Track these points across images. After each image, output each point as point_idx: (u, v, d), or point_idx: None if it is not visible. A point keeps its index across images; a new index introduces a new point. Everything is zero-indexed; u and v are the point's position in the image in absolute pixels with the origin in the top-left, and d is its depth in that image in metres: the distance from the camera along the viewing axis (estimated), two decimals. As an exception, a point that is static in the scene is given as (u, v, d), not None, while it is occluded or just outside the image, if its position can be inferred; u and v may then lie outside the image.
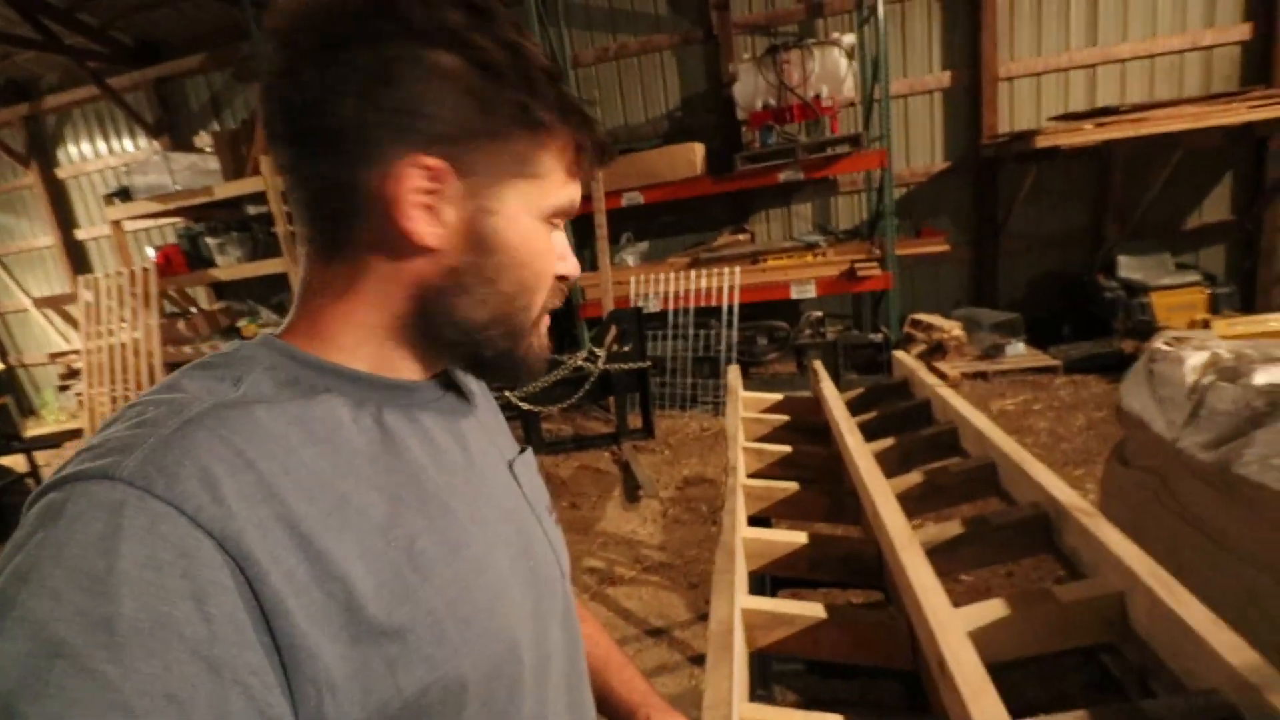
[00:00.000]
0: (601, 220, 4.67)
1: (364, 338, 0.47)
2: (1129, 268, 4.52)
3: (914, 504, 1.35)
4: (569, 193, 0.50)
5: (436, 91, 0.42)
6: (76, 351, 5.80)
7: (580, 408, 4.33)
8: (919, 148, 5.15)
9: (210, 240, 5.64)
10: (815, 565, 1.17)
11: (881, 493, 1.17)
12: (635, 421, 4.16)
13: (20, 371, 7.81)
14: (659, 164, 4.74)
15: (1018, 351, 4.52)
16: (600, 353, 3.88)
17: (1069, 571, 1.04)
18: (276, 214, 5.19)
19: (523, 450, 0.62)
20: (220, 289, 6.65)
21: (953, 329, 4.59)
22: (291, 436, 0.40)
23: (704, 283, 4.60)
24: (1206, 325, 4.04)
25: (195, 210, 5.64)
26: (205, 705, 0.32)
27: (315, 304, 0.47)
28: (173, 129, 6.48)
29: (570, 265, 0.53)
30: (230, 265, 5.60)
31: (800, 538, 1.17)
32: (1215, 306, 4.22)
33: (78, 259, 7.18)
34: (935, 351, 4.63)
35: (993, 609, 0.90)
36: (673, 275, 4.69)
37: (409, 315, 0.47)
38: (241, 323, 5.82)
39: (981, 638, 0.87)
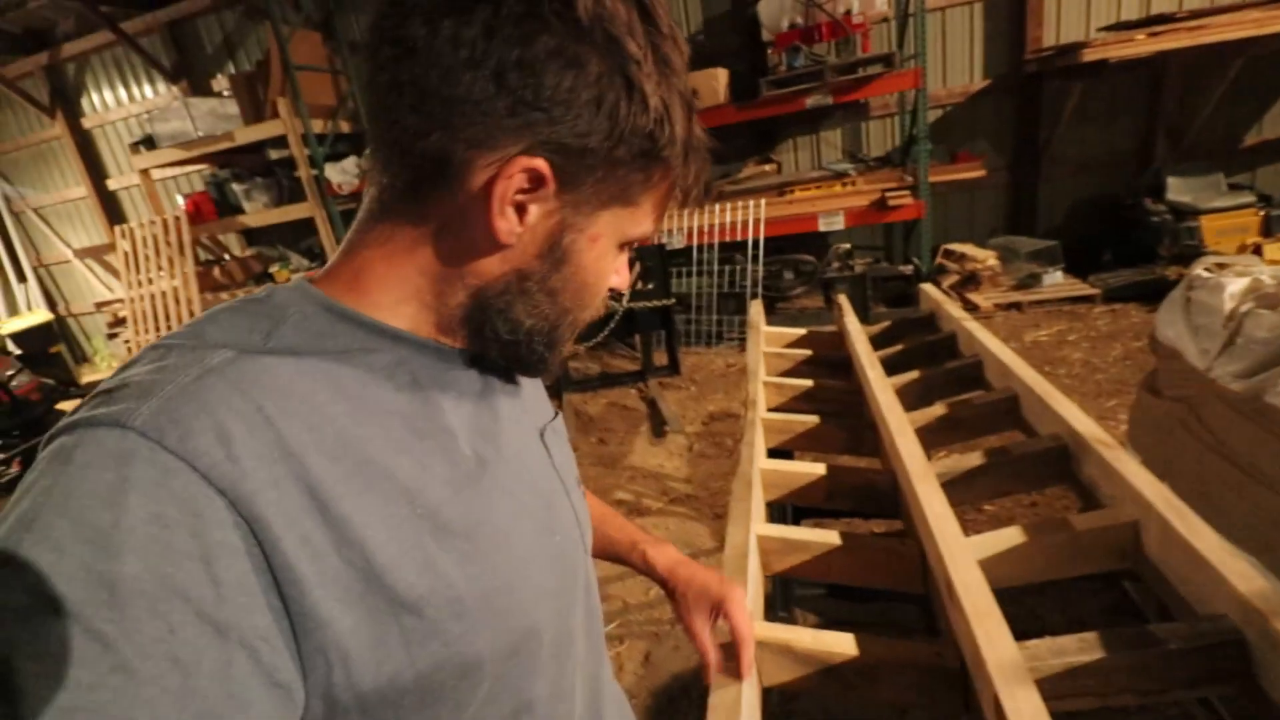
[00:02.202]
0: (623, 154, 4.56)
1: (406, 299, 0.44)
2: (1178, 190, 4.28)
3: (934, 436, 1.36)
4: (651, 226, 0.48)
5: (574, 98, 0.39)
6: (121, 300, 5.99)
7: (607, 345, 4.36)
8: (957, 66, 4.86)
9: (236, 186, 5.69)
10: (832, 495, 1.19)
11: (899, 425, 1.18)
12: (661, 359, 4.19)
13: (70, 320, 8.13)
14: (681, 93, 4.56)
15: (1055, 280, 4.38)
16: (624, 291, 3.87)
17: (1086, 502, 1.05)
18: (299, 158, 5.19)
19: (555, 416, 0.60)
20: (250, 235, 6.75)
21: (987, 259, 4.45)
22: (319, 393, 0.39)
23: (728, 216, 4.50)
24: (1258, 250, 3.85)
25: (219, 156, 5.68)
26: (210, 668, 0.31)
27: (365, 256, 0.44)
28: (190, 73, 6.43)
29: (623, 281, 0.51)
30: (258, 211, 5.66)
31: (818, 469, 1.19)
32: (1269, 229, 4.00)
33: (111, 209, 7.31)
34: (968, 282, 4.52)
35: (1005, 537, 0.91)
36: (696, 210, 4.60)
37: (460, 300, 0.45)
38: (274, 268, 5.93)
39: (992, 564, 0.89)
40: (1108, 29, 4.21)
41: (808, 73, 4.24)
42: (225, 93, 5.53)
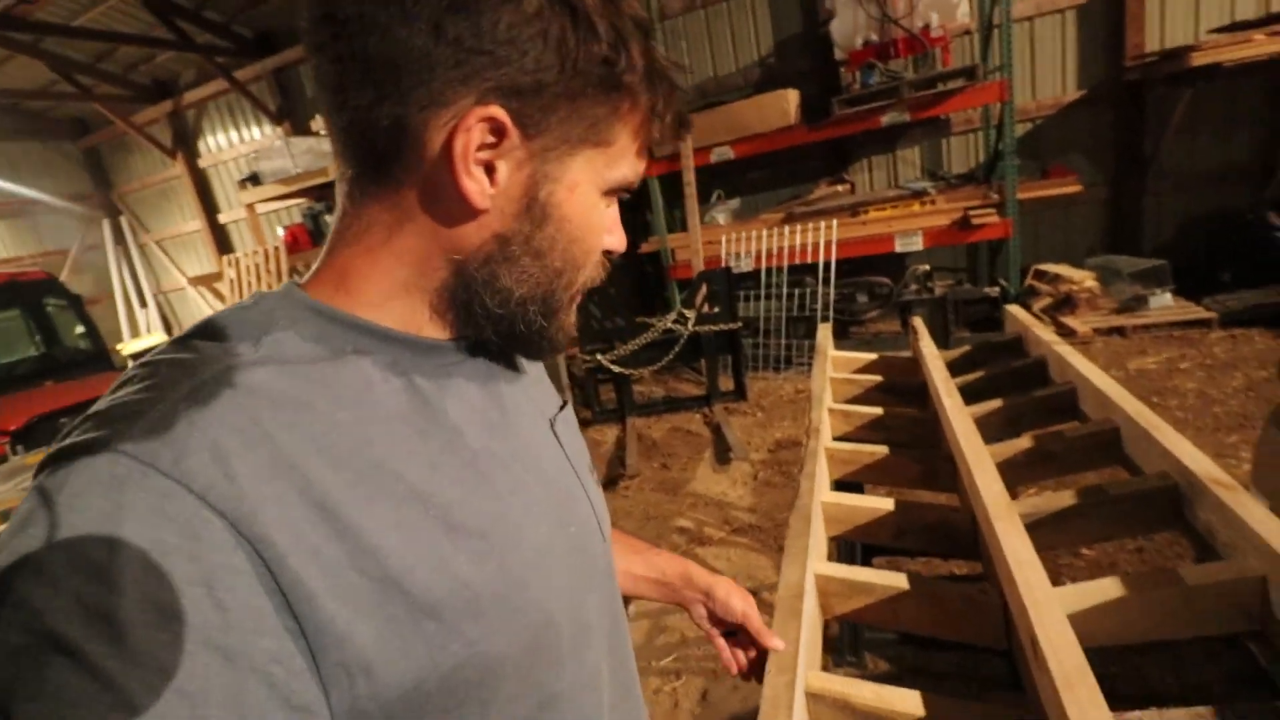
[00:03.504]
0: (690, 178, 4.57)
1: (393, 294, 0.43)
2: (1309, 202, 3.85)
3: (1020, 471, 1.23)
4: (635, 165, 0.46)
5: (517, 34, 0.37)
6: (225, 323, 6.47)
7: (671, 369, 4.32)
8: (1047, 76, 4.60)
9: (329, 218, 6.07)
10: (901, 533, 1.10)
11: (978, 457, 1.08)
12: (727, 383, 4.11)
13: (183, 342, 8.88)
14: (749, 115, 4.54)
15: (1163, 303, 4.01)
16: (690, 314, 3.83)
17: (1201, 550, 0.91)
18: (384, 190, 5.51)
19: (563, 406, 0.58)
20: (340, 263, 7.16)
21: (1084, 279, 4.14)
22: (316, 400, 0.37)
23: (799, 239, 4.40)
24: None
25: (315, 190, 6.09)
26: (220, 698, 0.30)
27: (346, 254, 0.43)
28: (292, 115, 6.98)
29: (618, 240, 0.48)
30: (347, 240, 6.01)
31: (886, 504, 1.10)
32: None
33: (221, 240, 7.99)
34: (1063, 305, 4.21)
35: (1100, 589, 0.80)
36: (765, 232, 4.52)
37: (444, 279, 0.43)
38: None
39: (1085, 619, 0.78)
40: (1220, 30, 3.88)
41: (883, 89, 4.12)
42: (322, 132, 5.95)
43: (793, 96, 4.53)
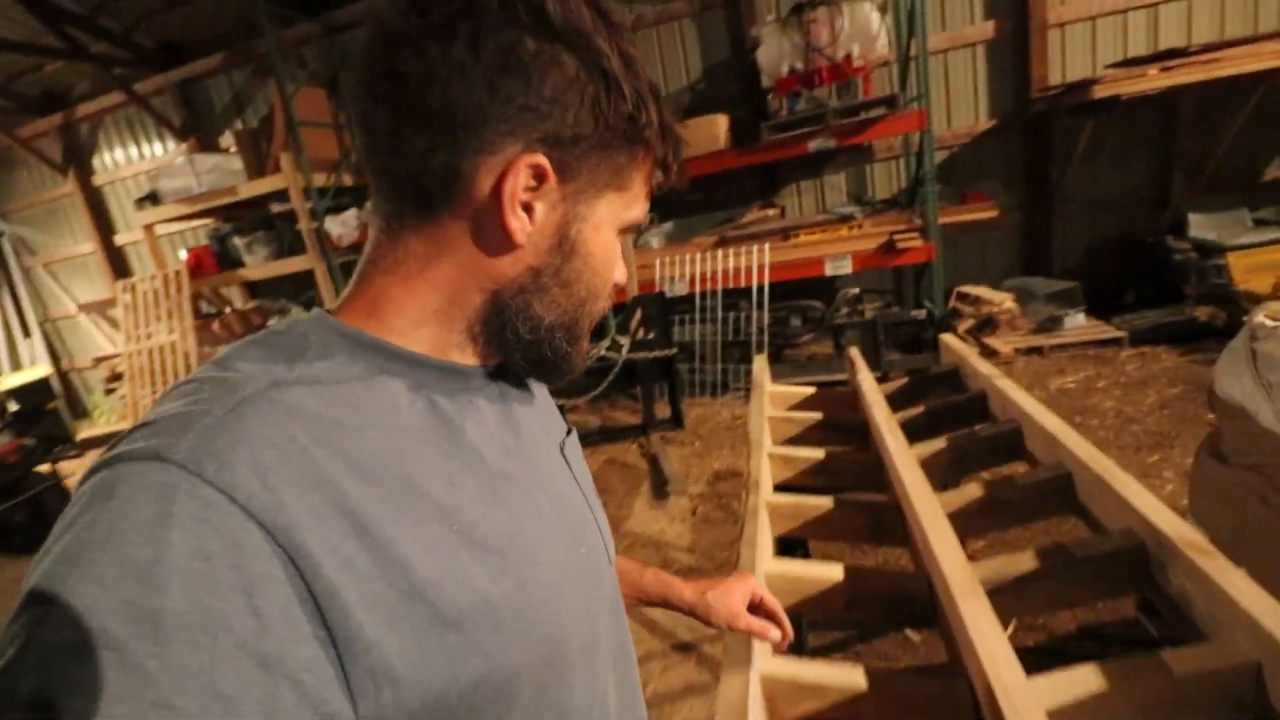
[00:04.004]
0: (623, 202, 4.48)
1: (424, 321, 0.46)
2: (1201, 226, 4.12)
3: (973, 521, 1.15)
4: (644, 207, 0.51)
5: (560, 94, 0.42)
6: (119, 355, 5.92)
7: (607, 397, 4.19)
8: (961, 106, 4.78)
9: (238, 240, 5.65)
10: (854, 603, 0.99)
11: (931, 515, 0.98)
12: (664, 411, 4.00)
13: (74, 375, 8.09)
14: (681, 139, 4.50)
15: (1077, 323, 4.18)
16: (624, 340, 3.72)
17: (1174, 618, 0.84)
18: (299, 211, 5.15)
19: (570, 432, 0.60)
20: (253, 288, 6.71)
21: (1004, 301, 4.27)
22: (347, 419, 0.39)
23: (732, 262, 4.37)
24: (1294, 288, 3.65)
25: (223, 210, 5.66)
26: (254, 701, 0.31)
27: (380, 282, 0.46)
28: (199, 130, 6.50)
29: (622, 272, 0.53)
30: (258, 264, 5.61)
31: (835, 573, 0.99)
32: (1304, 266, 3.80)
33: (118, 264, 7.34)
34: (985, 326, 4.33)
35: (1081, 679, 0.71)
36: (699, 256, 4.47)
37: (479, 308, 0.47)
38: (273, 321, 5.85)
39: (1065, 717, 0.68)
40: (1117, 65, 4.12)
41: (809, 116, 4.16)
42: (231, 149, 5.55)
43: (722, 121, 4.52)
